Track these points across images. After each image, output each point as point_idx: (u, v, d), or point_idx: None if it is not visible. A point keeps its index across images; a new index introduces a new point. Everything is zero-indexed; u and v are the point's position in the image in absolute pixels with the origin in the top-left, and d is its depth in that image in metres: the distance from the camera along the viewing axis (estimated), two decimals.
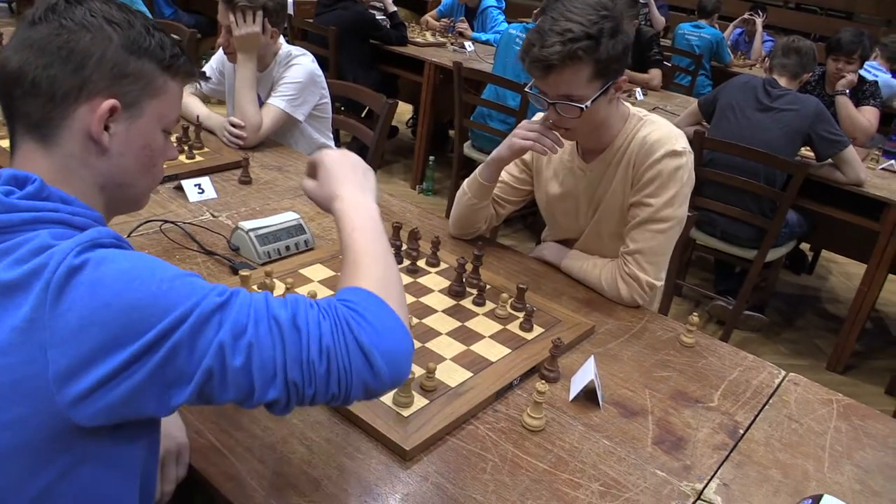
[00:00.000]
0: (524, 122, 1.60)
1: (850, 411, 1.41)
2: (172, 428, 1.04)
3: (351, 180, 1.03)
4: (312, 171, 1.08)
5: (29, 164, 0.86)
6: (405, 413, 1.15)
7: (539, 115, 1.79)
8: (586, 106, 1.50)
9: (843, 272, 4.31)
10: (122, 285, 0.74)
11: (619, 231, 1.76)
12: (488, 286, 1.53)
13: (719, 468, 1.19)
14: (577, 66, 1.46)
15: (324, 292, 1.46)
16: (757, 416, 1.34)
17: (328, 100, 2.52)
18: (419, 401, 1.18)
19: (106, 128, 0.86)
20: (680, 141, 1.59)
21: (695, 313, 1.56)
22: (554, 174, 1.81)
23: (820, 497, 1.07)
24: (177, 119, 0.96)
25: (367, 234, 0.95)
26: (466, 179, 1.77)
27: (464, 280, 1.55)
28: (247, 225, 1.60)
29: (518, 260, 1.81)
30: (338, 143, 2.66)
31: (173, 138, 1.67)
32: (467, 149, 3.81)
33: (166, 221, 1.68)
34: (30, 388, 0.72)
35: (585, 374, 1.31)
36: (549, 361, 1.34)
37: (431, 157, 4.38)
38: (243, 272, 1.39)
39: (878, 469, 1.26)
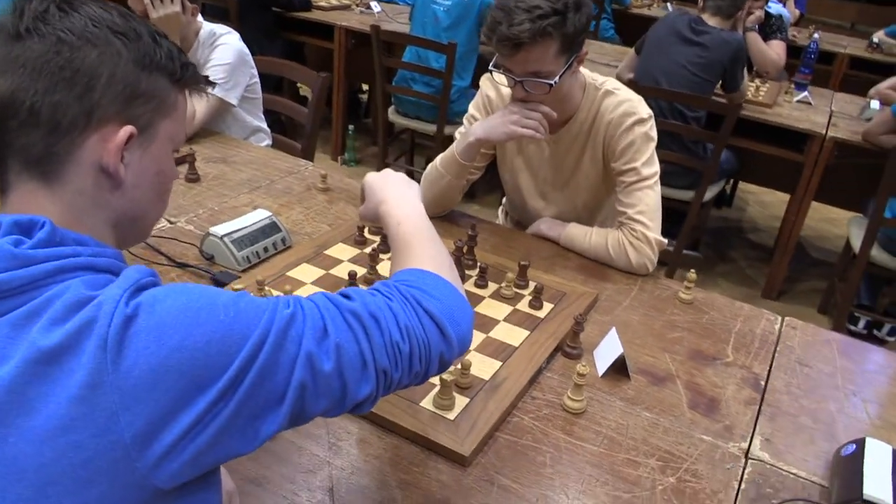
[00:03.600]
0: (514, 107, 1.54)
1: (848, 349, 1.46)
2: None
3: (393, 188, 1.03)
4: (363, 196, 1.08)
5: (29, 207, 0.73)
6: (450, 416, 1.10)
7: (486, 85, 1.73)
8: (555, 82, 1.47)
9: (758, 202, 4.51)
10: (187, 323, 0.65)
11: (594, 201, 1.77)
12: (487, 266, 1.48)
13: (756, 424, 1.21)
14: (546, 43, 1.43)
15: None
16: (771, 365, 1.37)
17: (258, 79, 2.36)
18: (460, 400, 1.13)
19: (121, 158, 0.74)
20: (641, 107, 1.62)
21: (692, 270, 1.56)
22: (518, 145, 1.77)
23: (863, 441, 1.10)
24: (183, 138, 0.85)
25: (412, 225, 0.95)
26: (439, 160, 1.70)
27: (462, 263, 1.49)
28: (219, 230, 1.47)
29: (497, 233, 1.76)
30: (273, 127, 2.50)
31: None
32: (392, 115, 3.70)
33: None
34: (106, 464, 0.62)
35: (611, 346, 1.29)
36: (571, 338, 1.31)
37: (350, 127, 4.24)
38: (236, 285, 1.27)
39: (891, 402, 1.31)
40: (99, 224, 0.76)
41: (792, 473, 1.11)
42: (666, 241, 1.62)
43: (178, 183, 1.82)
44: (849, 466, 1.07)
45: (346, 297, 0.78)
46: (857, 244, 2.92)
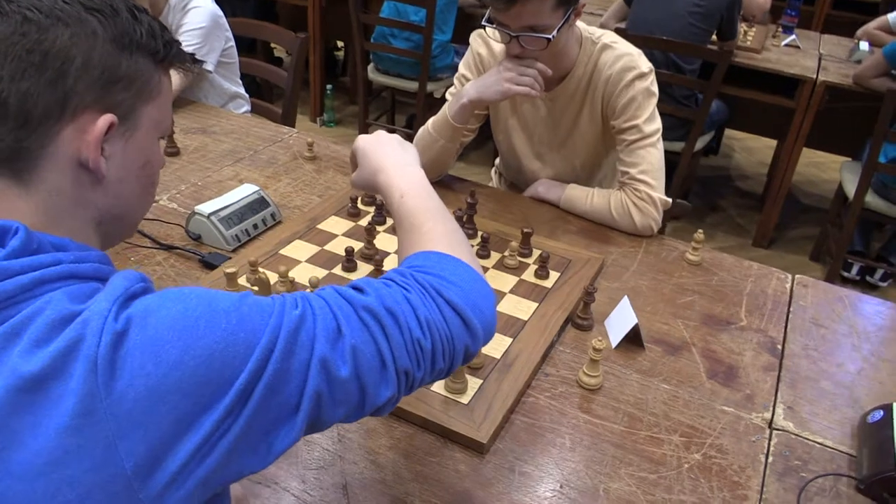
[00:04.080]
0: (508, 64, 1.45)
1: (861, 306, 1.43)
2: None
3: (389, 153, 0.94)
4: (354, 162, 0.99)
5: (0, 209, 0.65)
6: (464, 400, 1.04)
7: (477, 42, 1.65)
8: (552, 36, 1.39)
9: (744, 148, 4.46)
10: (186, 335, 0.58)
11: (593, 161, 1.70)
12: (489, 235, 1.41)
13: (777, 392, 1.17)
14: None
15: (318, 272, 1.30)
16: (786, 328, 1.33)
17: (233, 42, 2.25)
18: (472, 382, 1.07)
19: (101, 150, 0.66)
20: (641, 61, 1.54)
21: (700, 230, 1.51)
22: (512, 105, 1.69)
23: (890, 407, 1.07)
24: (171, 123, 0.77)
25: (416, 197, 0.87)
26: (431, 124, 1.61)
27: None
28: (205, 209, 1.39)
29: (494, 197, 1.69)
30: (248, 90, 2.39)
31: None
32: (371, 73, 3.57)
33: None
34: (105, 498, 0.55)
35: (623, 316, 1.24)
36: (582, 310, 1.26)
37: (329, 86, 4.10)
38: (228, 268, 1.20)
39: None
40: (80, 224, 0.69)
41: (818, 443, 1.07)
42: (670, 200, 1.56)
43: None
44: (877, 435, 1.03)
45: (359, 290, 0.71)
46: (850, 190, 2.89)
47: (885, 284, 3.14)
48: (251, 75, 2.57)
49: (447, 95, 1.68)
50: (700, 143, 3.14)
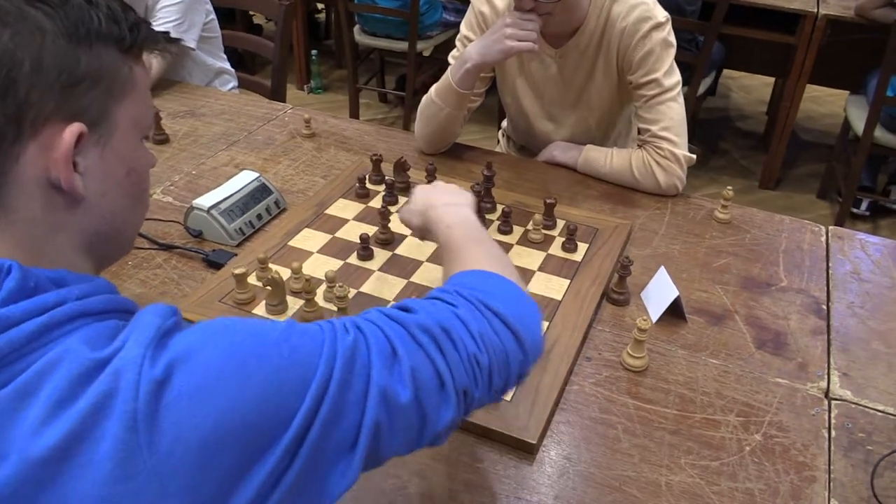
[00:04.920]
0: (509, 20, 1.35)
1: None
2: None
3: (442, 195, 0.97)
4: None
5: None
6: (507, 397, 0.97)
7: (478, 1, 1.53)
8: None
9: (741, 87, 4.36)
10: (237, 376, 0.52)
11: (608, 119, 1.61)
12: (510, 209, 1.33)
13: (829, 358, 1.11)
14: None
15: (333, 264, 1.22)
16: (828, 285, 1.26)
17: (214, 14, 2.12)
18: None
19: (74, 166, 0.57)
20: (657, 10, 1.43)
21: (728, 187, 1.43)
22: (519, 64, 1.59)
23: None
24: (153, 117, 0.67)
25: (464, 228, 0.87)
26: (434, 92, 1.52)
27: (481, 209, 1.34)
28: (204, 202, 1.30)
29: (507, 164, 1.60)
30: (232, 64, 2.26)
31: None
32: (358, 35, 3.43)
33: None
34: None
35: (661, 287, 1.17)
36: (617, 283, 1.18)
37: (314, 52, 3.95)
38: (236, 269, 1.12)
39: None
40: (65, 253, 0.60)
41: (879, 411, 1.02)
42: (694, 156, 1.48)
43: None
44: None
45: (406, 310, 0.65)
46: (858, 126, 2.81)
47: None
48: (232, 47, 2.44)
49: (450, 59, 1.58)
50: (702, 88, 3.04)
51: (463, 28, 1.58)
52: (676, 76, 1.46)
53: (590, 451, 0.93)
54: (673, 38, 1.45)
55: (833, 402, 1.03)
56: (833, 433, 0.98)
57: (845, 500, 0.89)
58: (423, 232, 0.97)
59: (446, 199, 0.94)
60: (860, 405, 1.03)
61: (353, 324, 0.61)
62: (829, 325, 1.17)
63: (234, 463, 0.50)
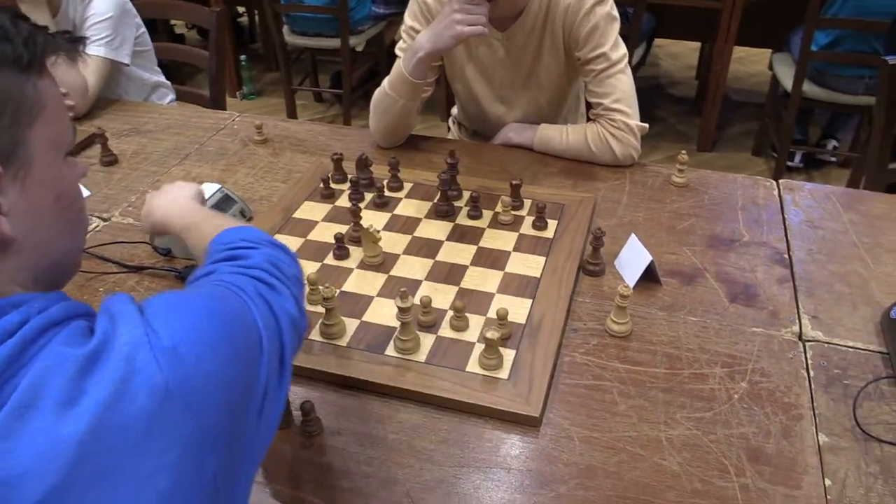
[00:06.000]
0: (456, 6, 1.36)
1: (847, 200, 1.43)
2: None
3: (163, 194, 1.06)
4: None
5: None
6: (503, 375, 1.00)
7: None
8: None
9: (668, 54, 4.47)
10: (228, 334, 0.59)
11: (559, 96, 1.64)
12: (478, 194, 1.35)
13: (798, 303, 1.16)
14: None
15: (310, 267, 1.22)
16: (787, 236, 1.32)
17: (144, 28, 2.07)
18: (506, 354, 1.03)
19: None
20: None
21: (683, 151, 1.48)
22: (467, 50, 1.61)
23: None
24: (72, 130, 0.64)
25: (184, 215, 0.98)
26: (387, 85, 1.52)
27: (449, 196, 1.36)
28: None
29: (463, 150, 1.62)
30: (171, 77, 2.22)
31: None
32: (287, 35, 3.38)
33: None
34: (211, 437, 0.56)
35: (634, 254, 1.21)
36: (591, 255, 1.22)
37: (243, 57, 3.89)
38: None
39: None
40: (13, 292, 0.58)
41: (850, 347, 1.08)
42: (647, 125, 1.52)
43: (96, 170, 1.58)
44: None
45: (235, 258, 0.76)
46: (787, 82, 2.92)
47: (834, 160, 3.24)
48: (158, 59, 2.38)
49: (397, 51, 1.58)
50: (635, 59, 3.11)
51: (407, 19, 1.58)
52: (623, 49, 1.50)
53: (590, 417, 0.96)
54: (616, 12, 1.48)
55: (807, 344, 1.08)
56: (811, 373, 1.03)
57: (831, 432, 0.94)
58: (160, 229, 1.04)
59: (166, 199, 1.03)
60: (832, 344, 1.08)
61: (234, 285, 0.68)
62: (792, 273, 1.23)
63: (242, 392, 0.57)
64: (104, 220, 1.41)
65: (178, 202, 1.02)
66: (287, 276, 0.75)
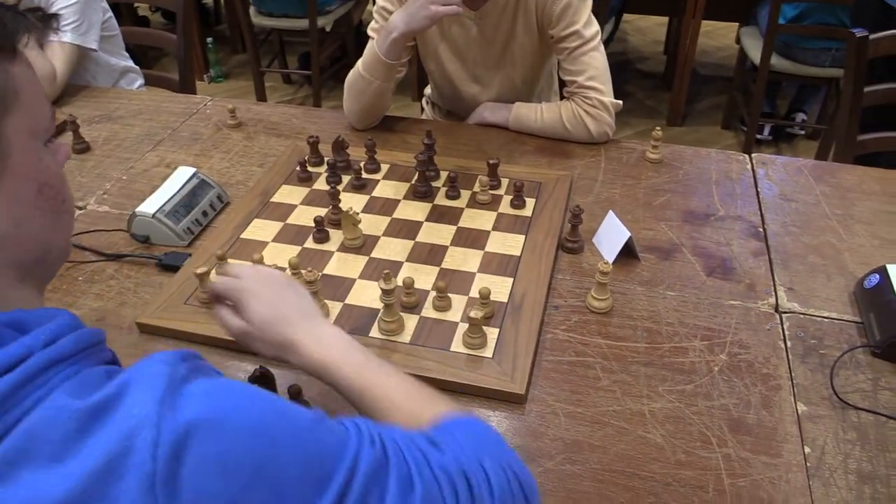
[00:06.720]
0: None
1: (819, 172, 1.46)
2: None
3: (279, 299, 0.81)
4: (218, 298, 0.85)
5: None
6: (487, 353, 1.01)
7: None
8: None
9: (636, 29, 4.48)
10: (262, 456, 0.50)
11: (532, 74, 1.65)
12: (456, 174, 1.35)
13: (773, 275, 1.19)
14: None
15: (291, 251, 1.21)
16: (761, 209, 1.34)
17: (111, 12, 2.02)
18: (489, 333, 1.04)
19: None
20: None
21: (657, 127, 1.50)
22: (440, 30, 1.60)
23: (884, 269, 1.10)
24: (51, 115, 0.60)
25: (351, 360, 0.76)
26: (361, 66, 1.51)
27: (427, 177, 1.36)
28: (148, 209, 1.26)
29: (438, 131, 1.62)
30: (137, 61, 2.17)
31: None
32: (254, 16, 3.33)
33: None
34: None
35: (612, 230, 1.22)
36: (570, 232, 1.23)
37: (209, 39, 3.82)
38: (197, 269, 1.10)
39: (876, 218, 1.33)
40: (2, 292, 0.56)
41: (825, 318, 1.10)
42: (620, 102, 1.53)
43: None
44: (879, 299, 1.07)
45: (434, 444, 0.63)
46: (755, 55, 2.95)
47: (803, 133, 3.29)
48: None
49: (370, 32, 1.57)
50: (604, 35, 3.11)
51: (380, 0, 1.57)
52: (595, 26, 1.50)
53: (574, 393, 0.98)
54: None
55: (784, 316, 1.11)
56: (789, 343, 1.06)
57: (809, 401, 0.97)
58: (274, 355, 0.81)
59: (294, 312, 0.80)
60: (808, 314, 1.11)
61: (378, 437, 0.59)
62: (767, 246, 1.25)
63: None
64: (80, 208, 1.39)
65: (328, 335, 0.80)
66: None
